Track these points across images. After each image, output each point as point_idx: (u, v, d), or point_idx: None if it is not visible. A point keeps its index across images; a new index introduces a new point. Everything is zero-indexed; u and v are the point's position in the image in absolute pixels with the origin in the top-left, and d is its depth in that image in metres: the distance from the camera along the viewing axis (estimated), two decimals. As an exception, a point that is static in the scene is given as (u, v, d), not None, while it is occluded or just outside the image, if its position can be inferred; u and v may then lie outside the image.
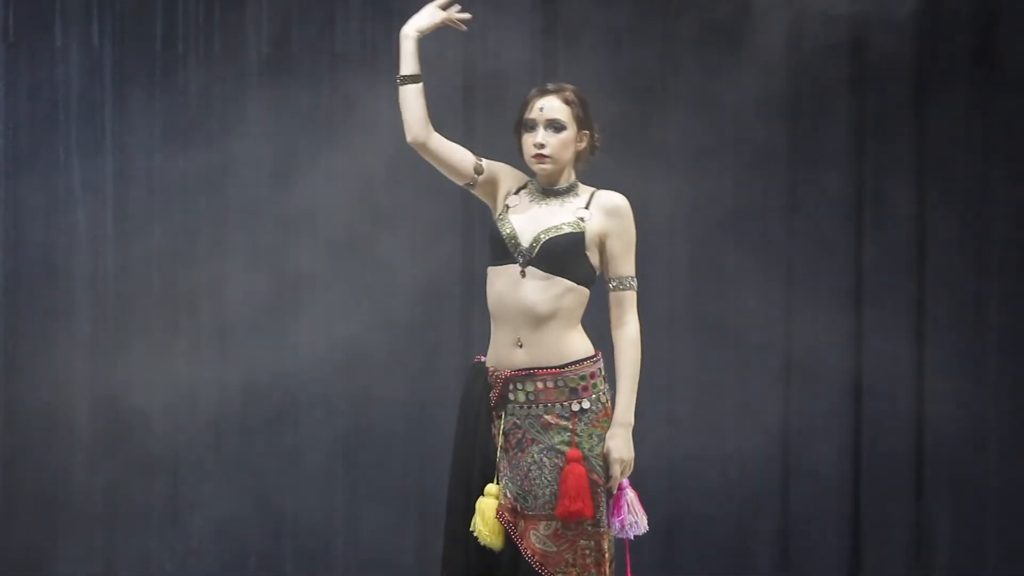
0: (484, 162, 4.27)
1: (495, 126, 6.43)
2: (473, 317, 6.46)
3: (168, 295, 6.48)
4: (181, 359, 6.47)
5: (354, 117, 6.47)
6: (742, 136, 6.62)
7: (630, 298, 4.15)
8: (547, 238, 4.10)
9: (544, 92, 4.19)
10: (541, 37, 6.57)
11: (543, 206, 4.18)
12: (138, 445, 6.45)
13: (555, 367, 4.08)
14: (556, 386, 4.09)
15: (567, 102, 4.17)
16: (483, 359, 4.20)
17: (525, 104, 4.20)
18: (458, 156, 4.25)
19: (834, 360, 6.62)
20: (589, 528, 4.09)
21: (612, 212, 4.15)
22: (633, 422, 4.14)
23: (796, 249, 6.65)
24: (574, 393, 4.09)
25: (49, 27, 6.41)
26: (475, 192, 4.29)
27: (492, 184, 4.27)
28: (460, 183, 4.29)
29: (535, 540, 4.07)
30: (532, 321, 4.08)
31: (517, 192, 4.25)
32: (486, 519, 4.08)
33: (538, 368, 4.09)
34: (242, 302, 6.49)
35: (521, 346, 4.10)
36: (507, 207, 4.21)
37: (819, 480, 6.64)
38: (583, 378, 4.10)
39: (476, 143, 6.31)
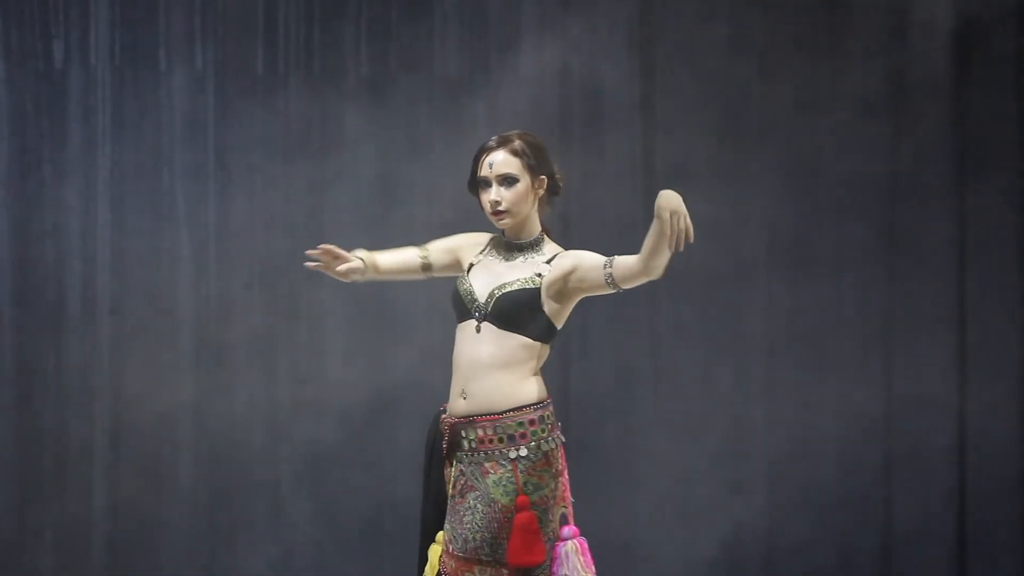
0: (431, 251, 4.20)
1: (591, 142, 6.45)
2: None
3: (269, 314, 6.54)
4: (282, 377, 6.53)
5: (451, 135, 6.50)
6: (842, 156, 6.58)
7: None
8: (500, 293, 4.04)
9: (491, 147, 4.09)
10: (638, 52, 6.57)
11: (505, 262, 4.12)
12: (240, 463, 6.51)
13: (494, 414, 4.01)
14: (495, 433, 4.01)
15: (516, 153, 4.07)
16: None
17: (476, 161, 4.12)
18: (404, 264, 4.18)
19: (936, 378, 6.56)
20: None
21: (571, 256, 4.05)
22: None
23: (897, 274, 6.60)
24: (512, 440, 4.01)
25: (153, 52, 6.51)
26: (438, 275, 4.23)
27: (454, 264, 4.21)
28: (419, 278, 4.23)
29: None
30: (479, 372, 4.02)
31: (484, 251, 4.19)
32: (433, 565, 4.07)
33: (477, 415, 4.02)
34: (341, 320, 6.54)
35: (464, 397, 4.05)
36: (471, 265, 4.16)
37: (923, 504, 6.58)
38: (520, 424, 4.01)
39: (572, 158, 6.39)
